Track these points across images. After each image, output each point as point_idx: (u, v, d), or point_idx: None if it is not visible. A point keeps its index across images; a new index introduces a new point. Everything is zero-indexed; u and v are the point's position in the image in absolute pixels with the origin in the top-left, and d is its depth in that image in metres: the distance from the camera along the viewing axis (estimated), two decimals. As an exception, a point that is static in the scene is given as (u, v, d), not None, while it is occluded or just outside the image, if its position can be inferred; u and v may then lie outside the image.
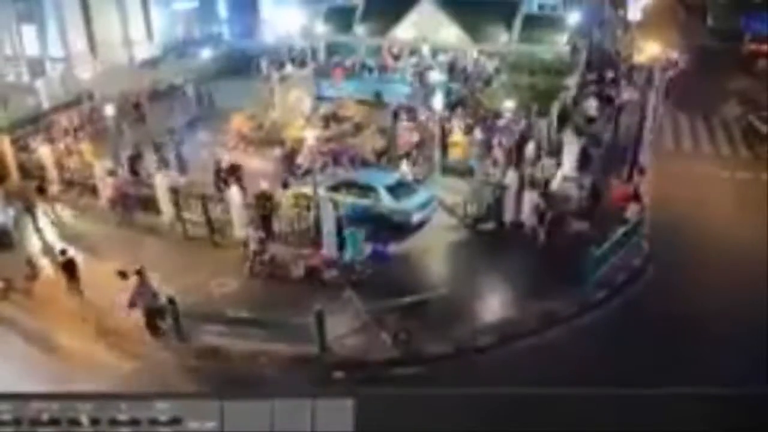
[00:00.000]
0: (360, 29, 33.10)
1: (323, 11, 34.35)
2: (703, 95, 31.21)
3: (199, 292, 15.49)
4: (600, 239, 16.39)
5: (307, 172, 19.29)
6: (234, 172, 20.13)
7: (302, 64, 32.58)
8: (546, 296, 15.05)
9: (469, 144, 22.45)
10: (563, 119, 24.46)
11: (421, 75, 29.58)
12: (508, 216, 18.61)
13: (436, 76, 28.58)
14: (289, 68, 30.85)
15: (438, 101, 22.11)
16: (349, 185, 19.13)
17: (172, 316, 14.00)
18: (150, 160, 21.94)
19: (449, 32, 31.44)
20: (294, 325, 13.69)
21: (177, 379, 13.03)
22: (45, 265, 16.95)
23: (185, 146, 23.18)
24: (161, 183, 19.16)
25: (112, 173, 20.08)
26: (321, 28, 33.93)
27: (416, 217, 18.40)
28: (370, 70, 31.74)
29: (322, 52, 33.78)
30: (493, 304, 15.65)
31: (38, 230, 18.88)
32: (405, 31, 32.03)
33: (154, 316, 14.18)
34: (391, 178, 19.62)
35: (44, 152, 21.70)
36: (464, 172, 21.21)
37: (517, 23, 30.74)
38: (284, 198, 18.79)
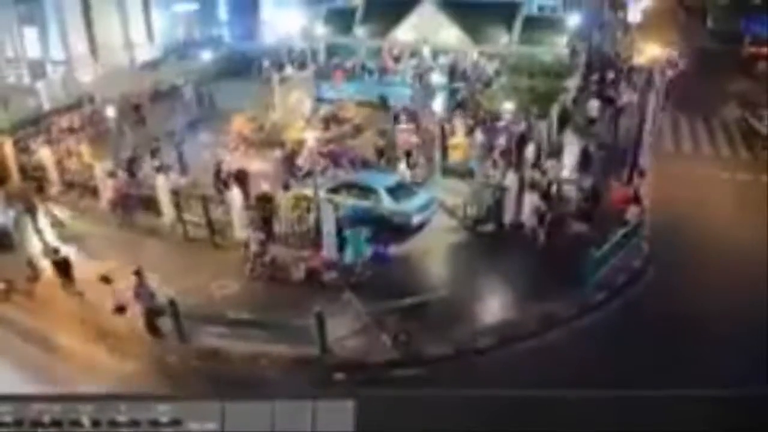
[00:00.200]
0: (360, 31, 33.09)
1: (323, 13, 34.33)
2: (703, 97, 31.23)
3: (199, 293, 15.50)
4: (600, 241, 16.39)
5: (308, 173, 19.32)
6: (241, 177, 19.95)
7: (302, 65, 32.54)
8: (546, 298, 15.04)
9: (469, 146, 22.49)
10: (563, 121, 24.47)
11: (421, 77, 29.58)
12: (508, 217, 18.62)
13: (436, 78, 28.60)
14: (289, 70, 30.87)
15: (438, 103, 22.11)
16: (350, 187, 19.14)
17: (172, 317, 14.01)
18: (148, 163, 21.90)
19: (449, 34, 31.45)
20: (295, 327, 13.71)
21: (178, 381, 13.03)
22: (46, 266, 16.93)
23: (186, 147, 23.17)
24: (162, 184, 19.18)
25: (112, 175, 20.09)
26: (321, 30, 33.90)
27: (416, 219, 18.40)
28: (371, 72, 31.69)
29: (322, 54, 33.76)
30: (493, 306, 15.66)
31: (39, 231, 18.86)
32: (405, 32, 32.05)
33: (153, 316, 14.19)
34: (392, 179, 19.65)
35: (45, 154, 21.73)
36: (464, 173, 21.23)
37: (518, 25, 30.78)
38: (285, 199, 18.81)
